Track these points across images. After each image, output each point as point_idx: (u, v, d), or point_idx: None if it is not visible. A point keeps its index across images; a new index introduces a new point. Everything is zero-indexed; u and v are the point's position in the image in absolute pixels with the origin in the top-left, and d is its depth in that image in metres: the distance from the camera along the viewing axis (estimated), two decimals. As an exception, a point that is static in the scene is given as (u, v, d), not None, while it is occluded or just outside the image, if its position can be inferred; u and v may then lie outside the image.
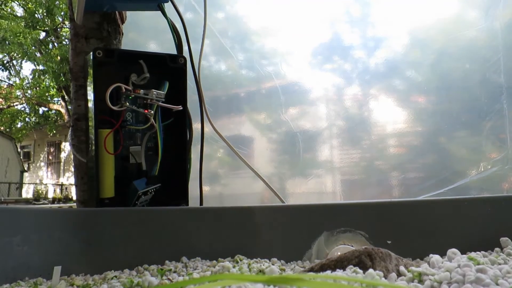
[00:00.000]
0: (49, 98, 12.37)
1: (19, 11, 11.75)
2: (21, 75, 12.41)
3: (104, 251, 0.42)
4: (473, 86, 1.26)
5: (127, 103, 0.65)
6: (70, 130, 0.74)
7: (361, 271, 0.30)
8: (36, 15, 11.21)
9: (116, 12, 0.76)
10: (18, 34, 9.83)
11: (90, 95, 0.68)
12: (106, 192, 0.55)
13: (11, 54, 10.50)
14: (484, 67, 1.24)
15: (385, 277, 0.30)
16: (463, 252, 0.34)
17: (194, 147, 0.78)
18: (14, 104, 12.91)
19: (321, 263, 0.34)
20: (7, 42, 9.68)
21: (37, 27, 10.92)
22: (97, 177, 0.56)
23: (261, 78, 1.31)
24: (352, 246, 0.41)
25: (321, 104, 1.42)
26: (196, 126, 0.82)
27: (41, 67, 10.72)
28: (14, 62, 12.11)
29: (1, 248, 0.40)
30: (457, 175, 1.24)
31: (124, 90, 0.65)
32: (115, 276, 0.37)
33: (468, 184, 1.22)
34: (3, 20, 9.97)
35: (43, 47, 11.28)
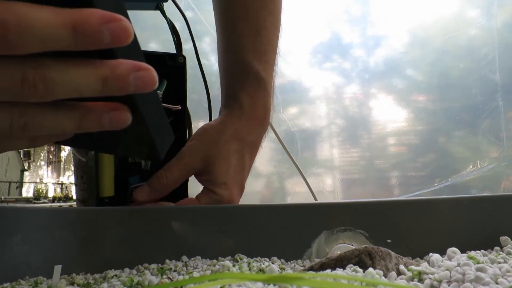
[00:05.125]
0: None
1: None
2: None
3: (104, 250, 0.42)
4: (470, 84, 1.26)
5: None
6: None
7: (361, 270, 0.30)
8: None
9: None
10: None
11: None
12: (106, 191, 0.55)
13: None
14: (480, 65, 1.24)
15: (385, 276, 0.30)
16: (463, 251, 0.34)
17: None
18: (14, 103, 12.90)
19: (321, 262, 0.34)
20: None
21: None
22: (97, 176, 0.55)
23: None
24: (352, 245, 0.41)
25: (321, 103, 1.42)
26: (197, 124, 0.82)
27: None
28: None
29: (1, 247, 0.40)
30: (454, 172, 1.24)
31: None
32: (116, 275, 0.37)
33: (466, 182, 1.22)
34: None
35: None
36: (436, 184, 1.24)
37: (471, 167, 1.23)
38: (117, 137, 0.32)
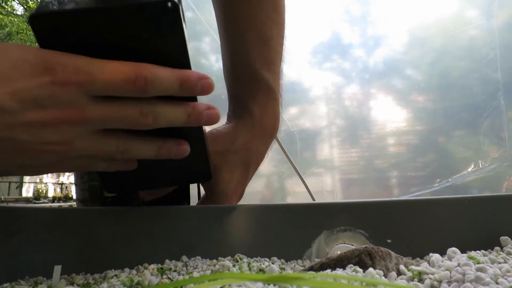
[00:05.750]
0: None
1: (19, 10, 11.73)
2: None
3: (104, 250, 0.42)
4: (471, 83, 1.26)
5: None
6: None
7: (361, 270, 0.30)
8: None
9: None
10: (21, 31, 9.83)
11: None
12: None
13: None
14: (481, 65, 1.24)
15: (385, 276, 0.30)
16: (463, 251, 0.34)
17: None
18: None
19: (321, 262, 0.34)
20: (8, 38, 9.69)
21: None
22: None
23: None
24: (352, 245, 0.41)
25: (320, 103, 1.42)
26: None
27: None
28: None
29: (1, 247, 0.40)
30: (455, 172, 1.24)
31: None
32: (115, 275, 0.37)
33: (467, 183, 1.22)
34: (5, 17, 9.96)
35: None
36: (436, 185, 1.24)
37: (472, 167, 1.22)
38: (178, 169, 0.42)
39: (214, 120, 0.35)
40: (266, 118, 0.55)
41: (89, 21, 0.29)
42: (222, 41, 0.58)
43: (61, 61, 0.29)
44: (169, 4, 0.30)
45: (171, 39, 0.31)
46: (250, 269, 0.37)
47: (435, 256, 0.32)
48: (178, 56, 0.32)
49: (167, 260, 0.41)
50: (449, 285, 0.26)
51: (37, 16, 0.28)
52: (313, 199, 0.98)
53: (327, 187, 1.37)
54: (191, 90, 0.32)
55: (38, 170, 0.33)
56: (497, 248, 0.38)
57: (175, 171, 0.43)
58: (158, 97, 0.32)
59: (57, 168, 0.34)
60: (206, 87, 0.33)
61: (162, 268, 0.39)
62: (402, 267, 0.31)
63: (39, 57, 0.29)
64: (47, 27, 0.29)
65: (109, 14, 0.29)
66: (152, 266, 0.40)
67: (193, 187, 0.58)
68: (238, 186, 0.54)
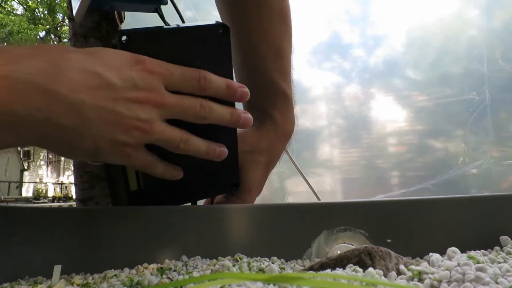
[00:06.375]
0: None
1: (19, 10, 11.74)
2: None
3: (104, 250, 0.42)
4: (469, 83, 1.26)
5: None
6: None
7: (361, 269, 0.30)
8: (36, 13, 11.19)
9: (115, 12, 0.76)
10: (22, 30, 9.84)
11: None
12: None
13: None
14: (481, 64, 1.24)
15: (385, 275, 0.30)
16: (463, 250, 0.34)
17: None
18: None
19: (321, 261, 0.34)
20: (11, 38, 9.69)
21: (39, 25, 10.92)
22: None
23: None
24: (352, 244, 0.41)
25: (320, 103, 1.42)
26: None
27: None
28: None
29: (1, 247, 0.39)
30: (454, 171, 1.24)
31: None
32: (115, 275, 0.37)
33: (466, 181, 1.22)
34: (6, 16, 9.97)
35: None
36: (435, 182, 1.24)
37: (470, 165, 1.23)
38: (210, 180, 0.49)
39: (248, 122, 0.44)
40: (286, 123, 0.61)
41: (161, 39, 0.41)
42: (235, 53, 0.60)
43: (147, 58, 0.39)
44: (220, 28, 0.42)
45: (221, 54, 0.43)
46: (250, 269, 0.37)
47: (435, 256, 0.32)
48: (225, 68, 0.43)
49: (167, 260, 0.41)
50: (449, 285, 0.26)
51: (124, 34, 0.39)
52: (318, 199, 0.98)
53: (327, 187, 1.37)
54: (234, 94, 0.42)
55: (121, 151, 0.38)
56: (497, 247, 0.38)
57: (208, 182, 0.49)
58: (210, 99, 0.41)
59: (133, 154, 0.39)
60: (244, 93, 0.43)
61: (162, 268, 0.39)
62: (402, 266, 0.31)
63: (130, 54, 0.39)
64: (131, 42, 0.40)
65: (175, 34, 0.41)
66: (152, 266, 0.40)
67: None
68: (260, 184, 0.59)
